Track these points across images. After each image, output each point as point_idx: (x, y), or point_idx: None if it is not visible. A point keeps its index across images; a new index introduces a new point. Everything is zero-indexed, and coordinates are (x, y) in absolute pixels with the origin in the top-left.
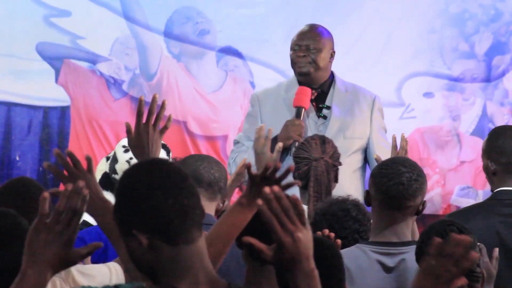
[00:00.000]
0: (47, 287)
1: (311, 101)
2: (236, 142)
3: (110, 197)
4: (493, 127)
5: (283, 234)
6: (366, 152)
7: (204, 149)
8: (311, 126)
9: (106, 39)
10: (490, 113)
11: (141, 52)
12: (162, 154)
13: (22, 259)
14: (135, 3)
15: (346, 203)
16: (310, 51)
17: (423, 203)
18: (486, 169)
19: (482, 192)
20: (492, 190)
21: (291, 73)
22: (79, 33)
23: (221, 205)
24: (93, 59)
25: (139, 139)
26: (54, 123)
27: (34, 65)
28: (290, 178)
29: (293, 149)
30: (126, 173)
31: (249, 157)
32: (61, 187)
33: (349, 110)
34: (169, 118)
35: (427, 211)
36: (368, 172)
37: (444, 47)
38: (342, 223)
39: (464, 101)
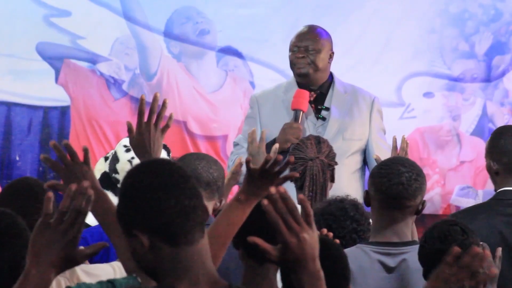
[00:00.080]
0: (52, 287)
1: (310, 102)
2: (235, 144)
3: (110, 196)
4: (493, 127)
5: (288, 235)
6: (365, 153)
7: (204, 149)
8: (310, 127)
9: (106, 39)
10: (490, 113)
11: (141, 52)
12: (163, 154)
13: (19, 258)
14: (135, 3)
15: (344, 203)
16: (309, 52)
17: (423, 203)
18: (489, 169)
19: (482, 192)
20: (495, 190)
21: (291, 73)
22: (79, 33)
23: (218, 204)
24: (93, 59)
25: (140, 138)
26: (54, 123)
27: (34, 65)
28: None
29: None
30: (129, 173)
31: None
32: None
33: (348, 111)
34: (170, 117)
35: (427, 211)
36: (367, 173)
37: (444, 47)
38: (340, 222)
39: (464, 101)
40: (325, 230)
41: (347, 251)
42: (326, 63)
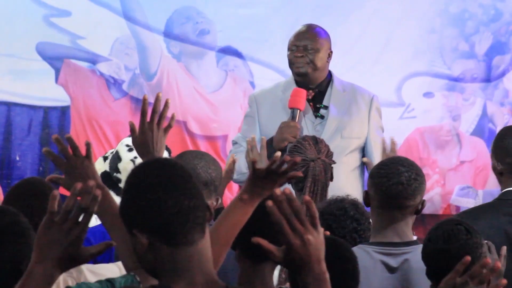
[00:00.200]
0: (60, 287)
1: (309, 101)
2: (234, 143)
3: (112, 196)
4: (493, 127)
5: (292, 236)
6: (364, 152)
7: (204, 149)
8: (309, 126)
9: (106, 39)
10: (490, 113)
11: (141, 52)
12: (164, 155)
13: (22, 257)
14: (135, 3)
15: (343, 203)
16: (307, 51)
17: (422, 202)
18: (493, 169)
19: (482, 192)
20: (501, 190)
21: (290, 73)
22: (79, 33)
23: (215, 203)
24: (93, 59)
25: (143, 138)
26: (54, 123)
27: (34, 65)
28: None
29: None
30: (132, 173)
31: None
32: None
33: (347, 109)
34: (172, 117)
35: (427, 211)
36: (366, 172)
37: (444, 47)
38: (340, 222)
39: (464, 101)
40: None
41: None
42: (324, 62)
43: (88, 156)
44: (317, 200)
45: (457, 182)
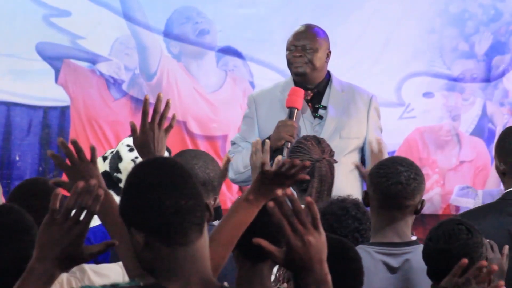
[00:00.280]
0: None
1: (307, 101)
2: (233, 143)
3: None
4: (492, 127)
5: (293, 237)
6: (363, 152)
7: (204, 149)
8: (307, 126)
9: (106, 39)
10: (490, 113)
11: (141, 52)
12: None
13: (27, 254)
14: (135, 3)
15: (345, 202)
16: (306, 51)
17: (422, 202)
18: (497, 169)
19: (481, 192)
20: (505, 190)
21: (290, 73)
22: (79, 33)
23: (212, 202)
24: (93, 59)
25: (144, 138)
26: (54, 123)
27: (34, 65)
28: None
29: (286, 150)
30: (131, 171)
31: (244, 158)
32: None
33: (345, 109)
34: (173, 117)
35: (426, 211)
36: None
37: (444, 47)
38: (342, 222)
39: (464, 101)
40: None
41: None
42: (323, 62)
43: (93, 160)
44: (323, 200)
45: (456, 182)
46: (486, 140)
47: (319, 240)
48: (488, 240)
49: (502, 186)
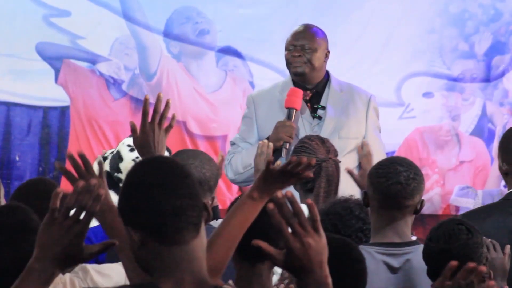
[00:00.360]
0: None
1: (306, 101)
2: (232, 144)
3: (113, 195)
4: (492, 127)
5: (292, 239)
6: None
7: (204, 149)
8: (306, 127)
9: (106, 39)
10: (490, 113)
11: (141, 52)
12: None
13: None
14: (135, 3)
15: (348, 203)
16: (305, 51)
17: (421, 202)
18: (500, 169)
19: (481, 192)
20: (508, 190)
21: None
22: (79, 33)
23: (210, 202)
24: (93, 59)
25: (145, 138)
26: (53, 123)
27: (34, 65)
28: None
29: (284, 151)
30: (129, 171)
31: (243, 158)
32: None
33: (344, 110)
34: (173, 117)
35: (426, 211)
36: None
37: (444, 47)
38: (345, 222)
39: (464, 101)
40: None
41: None
42: (322, 62)
43: (101, 175)
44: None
45: (456, 182)
46: (486, 140)
47: (319, 243)
48: (490, 240)
49: (502, 186)
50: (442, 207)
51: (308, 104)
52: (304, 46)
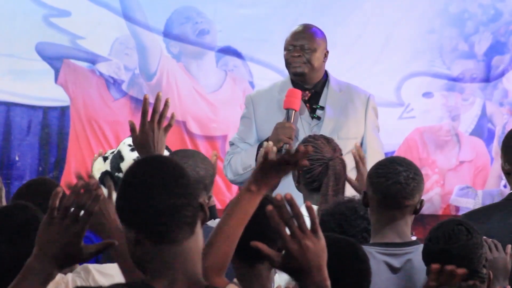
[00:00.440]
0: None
1: (305, 102)
2: (231, 144)
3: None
4: (492, 127)
5: (290, 241)
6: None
7: (204, 149)
8: (305, 127)
9: (106, 39)
10: (490, 113)
11: (141, 52)
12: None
13: None
14: (135, 3)
15: (353, 203)
16: (304, 51)
17: (421, 202)
18: (502, 169)
19: (481, 192)
20: (511, 190)
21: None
22: (79, 33)
23: (207, 201)
24: (93, 59)
25: (144, 137)
26: (53, 123)
27: (34, 65)
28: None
29: (284, 152)
30: (126, 169)
31: (243, 159)
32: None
33: (343, 110)
34: (172, 117)
35: (426, 211)
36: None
37: (444, 47)
38: (351, 222)
39: (464, 101)
40: None
41: None
42: (321, 62)
43: (110, 196)
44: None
45: (456, 182)
46: (485, 140)
47: (317, 245)
48: (491, 240)
49: (501, 186)
50: (442, 207)
51: (307, 105)
52: (304, 46)
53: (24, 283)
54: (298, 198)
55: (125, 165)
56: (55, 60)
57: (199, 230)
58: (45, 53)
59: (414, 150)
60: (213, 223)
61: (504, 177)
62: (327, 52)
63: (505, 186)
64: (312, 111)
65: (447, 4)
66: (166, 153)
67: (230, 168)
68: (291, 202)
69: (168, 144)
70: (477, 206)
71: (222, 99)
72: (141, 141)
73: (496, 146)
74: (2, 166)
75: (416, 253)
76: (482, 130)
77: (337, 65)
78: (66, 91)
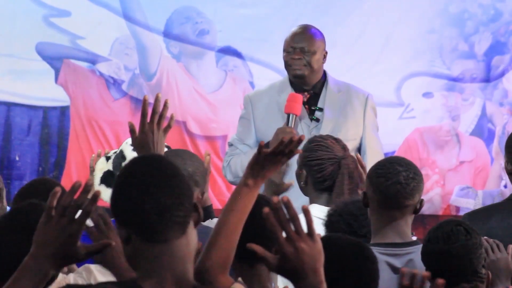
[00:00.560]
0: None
1: (304, 103)
2: (230, 145)
3: None
4: (492, 127)
5: (285, 244)
6: (359, 151)
7: (204, 149)
8: (304, 129)
9: (106, 39)
10: (490, 113)
11: (141, 52)
12: None
13: None
14: (135, 3)
15: (361, 202)
16: (304, 53)
17: (421, 202)
18: (505, 169)
19: (481, 192)
20: None
21: None
22: (79, 33)
23: (200, 196)
24: (93, 59)
25: (144, 138)
26: (53, 123)
27: (34, 65)
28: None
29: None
30: (121, 168)
31: (243, 162)
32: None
33: (342, 111)
34: (171, 118)
35: (426, 211)
36: None
37: (444, 47)
38: (361, 221)
39: (464, 101)
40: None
41: None
42: (320, 64)
43: (110, 227)
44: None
45: (456, 183)
46: (485, 140)
47: (312, 248)
48: (493, 240)
49: (502, 187)
50: (442, 207)
51: (306, 106)
52: (304, 49)
53: (20, 282)
54: (299, 198)
55: None
56: (55, 60)
57: (191, 230)
58: (45, 53)
59: (414, 150)
60: (210, 222)
61: (504, 177)
62: (326, 52)
63: (505, 186)
64: (311, 113)
65: (447, 4)
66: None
67: (229, 169)
68: (287, 204)
69: (168, 144)
70: (477, 207)
71: (222, 99)
72: (141, 142)
73: (496, 146)
74: (2, 166)
75: (417, 253)
76: (482, 130)
77: (337, 65)
78: (66, 91)
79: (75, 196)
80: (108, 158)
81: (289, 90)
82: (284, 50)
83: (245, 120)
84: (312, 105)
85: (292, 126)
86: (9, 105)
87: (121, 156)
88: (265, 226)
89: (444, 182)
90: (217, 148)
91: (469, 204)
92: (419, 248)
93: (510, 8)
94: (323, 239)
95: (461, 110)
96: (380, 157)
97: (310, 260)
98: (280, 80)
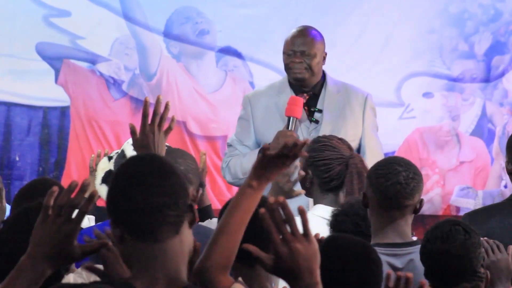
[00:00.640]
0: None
1: (303, 104)
2: (229, 145)
3: None
4: (492, 127)
5: (280, 244)
6: (359, 151)
7: (204, 149)
8: (303, 131)
9: (106, 39)
10: (490, 113)
11: (141, 52)
12: None
13: None
14: (135, 3)
15: None
16: (305, 56)
17: (421, 202)
18: (506, 168)
19: (481, 192)
20: None
21: None
22: (79, 33)
23: (194, 194)
24: (93, 59)
25: (145, 139)
26: (53, 123)
27: (34, 65)
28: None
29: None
30: (117, 167)
31: (243, 164)
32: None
33: (341, 112)
34: (172, 119)
35: (427, 211)
36: None
37: (444, 47)
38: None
39: (464, 101)
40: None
41: None
42: (320, 66)
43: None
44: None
45: (457, 183)
46: (486, 140)
47: (308, 249)
48: (493, 240)
49: (502, 187)
50: (442, 207)
51: (305, 107)
52: (304, 52)
53: (16, 281)
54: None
55: None
56: (55, 60)
57: (185, 230)
58: (45, 53)
59: (414, 150)
60: (209, 223)
61: (504, 178)
62: (326, 54)
63: (505, 187)
64: (310, 114)
65: (447, 4)
66: None
67: (228, 170)
68: (283, 205)
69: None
70: (477, 207)
71: (222, 99)
72: (142, 143)
73: (497, 146)
74: (2, 166)
75: (417, 253)
76: (482, 130)
77: (337, 65)
78: (66, 91)
79: (72, 196)
80: (110, 158)
81: (288, 91)
82: (284, 53)
83: (244, 121)
84: (311, 106)
85: (293, 129)
86: (9, 105)
87: (122, 156)
88: (261, 228)
89: (444, 182)
90: (217, 148)
91: (469, 204)
92: (419, 248)
93: (510, 8)
94: (328, 239)
95: (461, 110)
96: (380, 157)
97: (305, 261)
98: (279, 81)
